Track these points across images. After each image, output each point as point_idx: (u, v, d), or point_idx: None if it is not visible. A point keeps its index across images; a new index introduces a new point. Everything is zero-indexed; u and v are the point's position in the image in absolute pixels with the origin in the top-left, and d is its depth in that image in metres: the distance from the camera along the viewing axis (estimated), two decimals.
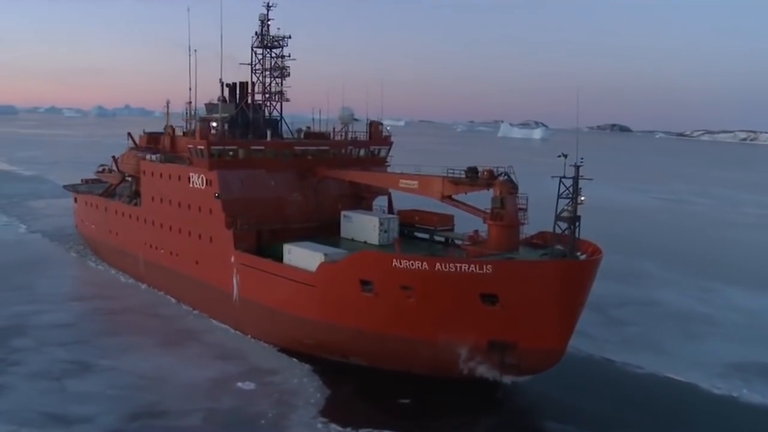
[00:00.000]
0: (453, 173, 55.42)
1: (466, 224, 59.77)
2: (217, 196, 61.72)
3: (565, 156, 45.99)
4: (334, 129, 72.35)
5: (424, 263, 46.26)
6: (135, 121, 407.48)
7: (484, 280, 45.11)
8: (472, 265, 45.06)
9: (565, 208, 45.48)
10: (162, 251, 71.74)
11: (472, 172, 53.90)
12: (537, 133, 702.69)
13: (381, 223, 61.05)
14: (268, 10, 70.89)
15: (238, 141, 64.67)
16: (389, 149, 71.97)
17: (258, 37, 70.91)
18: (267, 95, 71.67)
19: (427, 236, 62.47)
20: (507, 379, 48.08)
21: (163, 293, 71.57)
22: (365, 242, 60.93)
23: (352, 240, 62.33)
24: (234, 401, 45.67)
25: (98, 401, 44.66)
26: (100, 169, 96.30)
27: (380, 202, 70.26)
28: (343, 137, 71.11)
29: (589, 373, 53.15)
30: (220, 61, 70.26)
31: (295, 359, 53.70)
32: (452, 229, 61.98)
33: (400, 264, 47.00)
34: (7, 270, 78.65)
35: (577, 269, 45.65)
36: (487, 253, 50.57)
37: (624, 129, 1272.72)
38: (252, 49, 71.13)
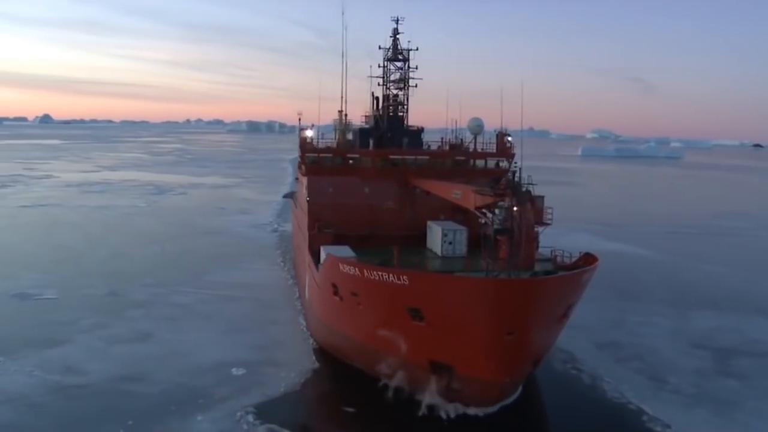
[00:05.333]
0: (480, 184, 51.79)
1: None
2: (308, 201, 66.02)
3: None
4: (474, 139, 70.99)
5: (356, 269, 44.43)
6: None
7: (404, 292, 41.71)
8: (392, 275, 42.03)
9: (496, 218, 39.68)
10: (299, 251, 78.43)
11: (494, 182, 49.67)
12: None
13: (445, 234, 59.12)
14: (397, 24, 73.06)
15: (332, 149, 67.90)
16: (511, 161, 68.39)
17: (388, 50, 73.39)
18: (393, 106, 73.64)
19: None
20: (452, 408, 43.10)
21: (297, 290, 78.01)
22: (435, 253, 59.80)
23: (430, 250, 61.33)
24: (207, 381, 49.13)
25: (109, 362, 52.43)
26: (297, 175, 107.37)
27: None
28: (472, 148, 70.06)
29: (592, 423, 44.43)
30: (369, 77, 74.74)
31: (314, 358, 55.12)
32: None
33: (344, 269, 45.87)
34: (210, 259, 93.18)
35: (514, 289, 39.04)
36: (489, 269, 46.25)
37: None
38: (383, 61, 73.86)
